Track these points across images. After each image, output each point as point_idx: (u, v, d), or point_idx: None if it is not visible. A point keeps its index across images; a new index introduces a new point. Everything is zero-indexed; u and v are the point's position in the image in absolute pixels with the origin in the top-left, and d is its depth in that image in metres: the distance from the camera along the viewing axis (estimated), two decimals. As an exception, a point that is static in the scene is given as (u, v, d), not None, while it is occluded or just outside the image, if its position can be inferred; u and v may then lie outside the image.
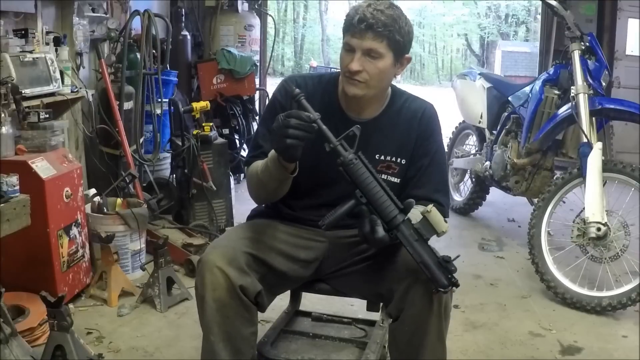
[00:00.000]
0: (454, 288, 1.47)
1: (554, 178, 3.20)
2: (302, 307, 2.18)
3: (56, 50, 3.02)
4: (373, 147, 1.70)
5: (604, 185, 2.77)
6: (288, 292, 2.00)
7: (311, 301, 2.45)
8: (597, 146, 2.80)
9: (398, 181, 1.72)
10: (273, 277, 1.66)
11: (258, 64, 5.17)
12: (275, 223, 1.76)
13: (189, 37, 4.90)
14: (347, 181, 1.49)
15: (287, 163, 1.55)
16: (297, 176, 1.65)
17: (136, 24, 3.69)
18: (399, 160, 1.73)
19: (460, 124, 4.52)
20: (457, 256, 1.46)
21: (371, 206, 1.46)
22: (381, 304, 1.81)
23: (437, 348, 1.56)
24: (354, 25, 1.57)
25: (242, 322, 1.55)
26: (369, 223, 1.46)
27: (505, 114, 3.74)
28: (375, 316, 1.95)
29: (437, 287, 1.44)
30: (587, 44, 3.06)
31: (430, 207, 1.46)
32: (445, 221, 1.48)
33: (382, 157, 1.72)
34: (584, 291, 2.76)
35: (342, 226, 1.74)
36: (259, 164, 1.67)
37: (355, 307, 2.52)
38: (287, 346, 1.91)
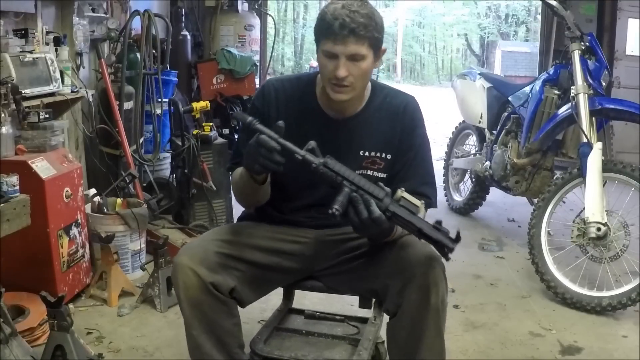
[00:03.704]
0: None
1: (554, 178, 3.20)
2: (301, 306, 2.19)
3: (56, 50, 3.02)
4: (357, 143, 1.72)
5: (604, 185, 2.77)
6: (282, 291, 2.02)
7: (312, 301, 2.45)
8: (597, 146, 2.80)
9: (384, 176, 1.72)
10: (256, 272, 1.69)
11: (258, 64, 5.17)
12: (256, 224, 1.78)
13: (189, 37, 4.90)
14: (328, 183, 1.49)
15: (255, 176, 1.60)
16: (282, 179, 1.68)
17: (136, 24, 3.69)
18: (384, 155, 1.73)
19: (460, 124, 4.52)
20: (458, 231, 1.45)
21: (361, 190, 1.48)
22: (374, 301, 1.83)
23: (435, 344, 1.56)
24: (335, 32, 1.53)
25: (220, 315, 1.59)
26: (365, 207, 1.45)
27: (505, 114, 3.74)
28: (368, 313, 1.96)
29: (443, 248, 1.44)
30: (587, 44, 3.06)
31: (401, 189, 1.48)
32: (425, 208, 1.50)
33: (367, 153, 1.72)
34: (584, 291, 2.76)
35: (329, 225, 1.75)
36: (239, 171, 1.71)
37: (354, 305, 2.51)
38: (280, 343, 1.92)
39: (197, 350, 1.59)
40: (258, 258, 1.70)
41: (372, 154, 1.72)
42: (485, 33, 26.82)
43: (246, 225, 1.79)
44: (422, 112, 1.79)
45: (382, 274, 1.64)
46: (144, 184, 3.61)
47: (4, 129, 2.28)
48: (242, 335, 1.69)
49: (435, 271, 1.54)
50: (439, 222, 1.45)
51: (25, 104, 2.49)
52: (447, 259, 1.46)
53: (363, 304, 1.87)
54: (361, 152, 1.72)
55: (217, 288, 1.57)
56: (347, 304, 2.56)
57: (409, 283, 1.55)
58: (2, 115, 2.26)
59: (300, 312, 2.11)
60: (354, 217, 1.46)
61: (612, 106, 2.96)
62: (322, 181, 1.50)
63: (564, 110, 3.11)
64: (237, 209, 3.94)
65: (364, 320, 2.04)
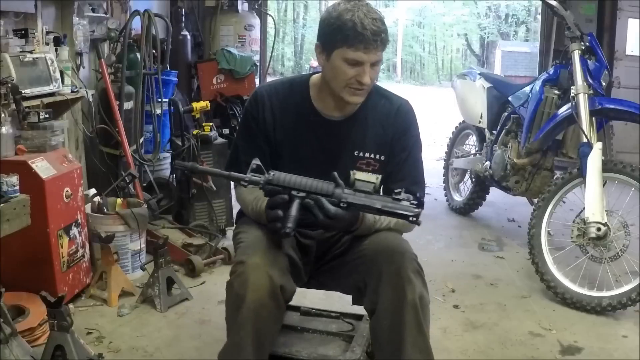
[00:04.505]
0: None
1: (554, 178, 3.20)
2: (300, 303, 2.19)
3: (56, 50, 3.02)
4: (352, 144, 1.75)
5: (604, 185, 2.77)
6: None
7: (312, 300, 2.45)
8: (597, 146, 2.80)
9: (379, 177, 1.74)
10: (294, 276, 1.69)
11: (258, 64, 5.17)
12: None
13: (189, 37, 4.91)
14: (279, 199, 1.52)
15: None
16: None
17: (136, 24, 3.69)
18: (377, 156, 1.76)
19: (460, 124, 4.52)
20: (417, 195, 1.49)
21: (312, 195, 1.51)
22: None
23: (418, 341, 1.55)
24: (367, 42, 1.57)
25: (273, 320, 1.58)
26: (319, 209, 1.49)
27: (505, 114, 3.74)
28: (364, 310, 1.97)
29: (408, 218, 1.47)
30: (587, 44, 3.06)
31: (353, 172, 1.53)
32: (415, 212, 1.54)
33: (362, 154, 1.75)
34: (584, 291, 2.76)
35: None
36: (248, 202, 1.74)
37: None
38: (275, 339, 1.93)
39: (235, 351, 1.55)
40: (295, 260, 1.72)
41: (367, 155, 1.75)
42: (485, 33, 26.81)
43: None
44: (415, 115, 1.83)
45: (361, 271, 1.67)
46: (144, 184, 3.61)
47: (4, 129, 2.28)
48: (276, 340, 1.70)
49: (407, 269, 1.56)
50: (397, 192, 1.48)
51: (25, 104, 2.49)
52: (418, 224, 1.48)
53: (356, 301, 1.88)
54: (356, 153, 1.75)
55: (284, 292, 1.56)
56: (347, 302, 2.56)
57: (381, 281, 1.57)
58: (2, 115, 2.26)
59: (296, 308, 2.13)
60: (314, 221, 1.51)
61: (612, 106, 2.96)
62: (272, 196, 1.52)
63: (564, 110, 3.11)
64: (237, 209, 3.95)
65: (359, 317, 2.06)
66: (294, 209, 1.48)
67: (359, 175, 1.53)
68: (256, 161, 1.53)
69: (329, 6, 1.68)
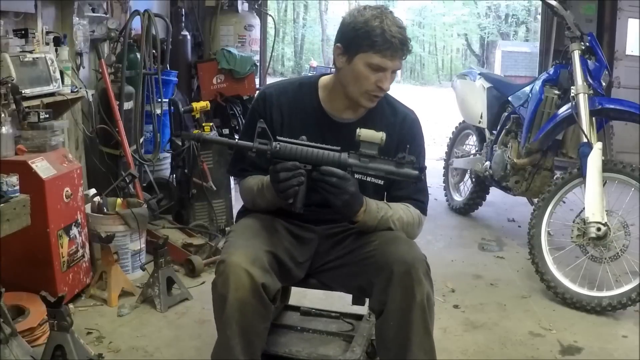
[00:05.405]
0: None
1: (554, 178, 3.20)
2: (300, 303, 2.19)
3: (56, 50, 3.02)
4: (357, 147, 1.74)
5: (604, 185, 2.77)
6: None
7: (311, 300, 2.45)
8: (597, 146, 2.80)
9: (382, 183, 1.76)
10: (281, 273, 1.70)
11: (258, 64, 5.17)
12: (273, 218, 1.79)
13: (189, 37, 4.91)
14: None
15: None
16: None
17: (136, 24, 3.69)
18: None
19: (460, 124, 4.52)
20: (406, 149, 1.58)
21: (318, 166, 1.57)
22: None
23: (424, 342, 1.57)
24: (394, 49, 1.61)
25: (259, 319, 1.59)
26: (330, 175, 1.55)
27: (505, 114, 3.74)
28: (364, 310, 1.98)
29: (411, 179, 1.56)
30: (587, 44, 3.06)
31: (359, 130, 1.59)
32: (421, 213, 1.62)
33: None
34: (584, 291, 2.76)
35: (330, 220, 1.81)
36: (253, 185, 1.76)
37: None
38: (275, 339, 1.94)
39: (225, 351, 1.57)
40: (285, 260, 1.72)
41: None
42: (485, 33, 26.86)
43: (270, 220, 1.79)
44: (421, 126, 1.85)
45: (368, 271, 1.67)
46: (144, 184, 3.61)
47: (4, 129, 2.28)
48: (266, 339, 1.69)
49: (418, 269, 1.56)
50: (402, 157, 1.56)
51: (25, 104, 2.49)
52: (414, 184, 1.62)
53: (356, 301, 1.89)
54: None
55: (266, 290, 1.57)
56: (347, 302, 2.56)
57: (391, 282, 1.57)
58: (2, 115, 2.26)
59: (296, 308, 2.13)
60: (328, 189, 1.56)
61: (612, 106, 2.96)
62: (282, 173, 1.57)
63: (564, 110, 3.11)
64: (237, 209, 3.94)
65: (359, 317, 2.06)
66: (302, 187, 1.53)
67: (364, 134, 1.57)
68: (261, 124, 1.56)
69: (353, 10, 1.70)
